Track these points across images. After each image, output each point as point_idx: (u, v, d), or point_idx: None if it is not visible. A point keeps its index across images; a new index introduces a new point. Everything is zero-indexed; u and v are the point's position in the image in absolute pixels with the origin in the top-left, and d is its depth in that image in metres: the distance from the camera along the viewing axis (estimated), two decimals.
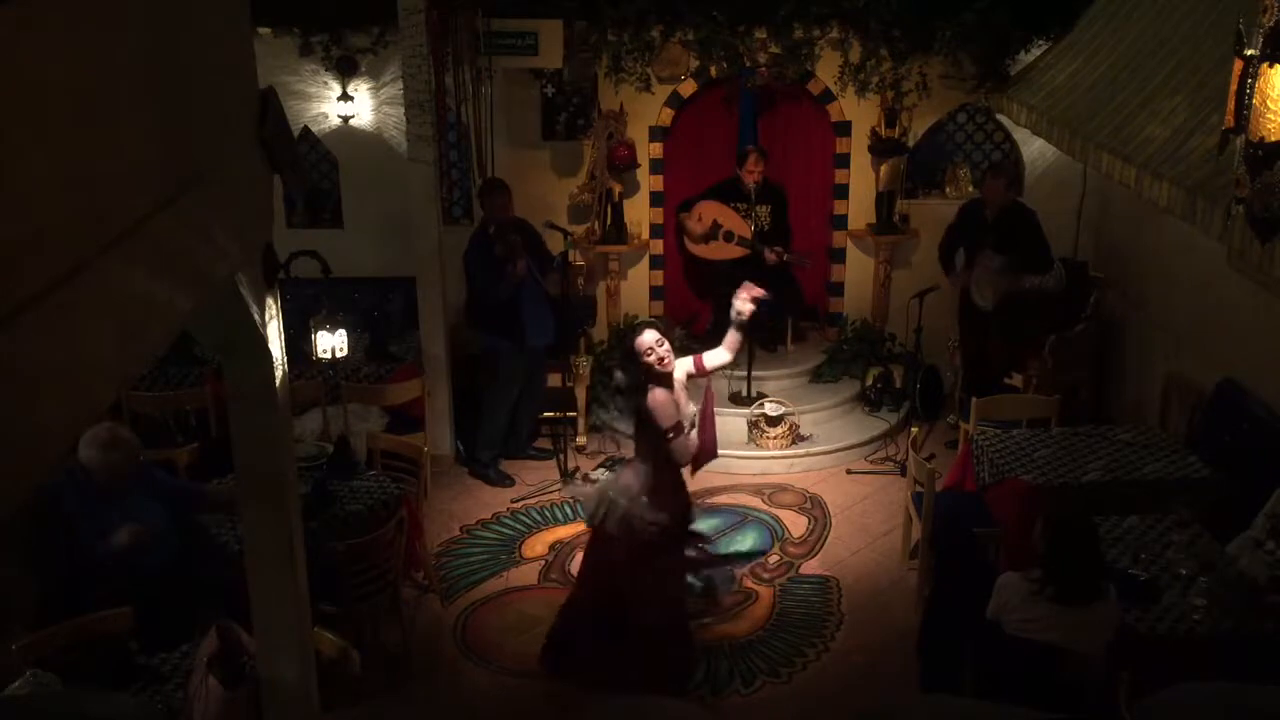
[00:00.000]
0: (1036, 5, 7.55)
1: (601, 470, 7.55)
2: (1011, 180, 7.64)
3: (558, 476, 7.46)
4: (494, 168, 7.67)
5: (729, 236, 7.75)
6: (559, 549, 6.69)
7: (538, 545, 6.74)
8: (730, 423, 7.64)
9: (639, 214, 8.25)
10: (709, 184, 7.92)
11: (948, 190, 8.38)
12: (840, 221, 8.44)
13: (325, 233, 8.04)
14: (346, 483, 5.80)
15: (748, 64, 7.79)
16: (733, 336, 5.25)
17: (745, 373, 7.67)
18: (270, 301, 3.30)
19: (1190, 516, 5.30)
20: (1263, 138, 3.77)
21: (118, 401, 6.30)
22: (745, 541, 6.73)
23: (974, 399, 6.67)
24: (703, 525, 6.85)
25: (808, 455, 7.58)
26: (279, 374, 3.39)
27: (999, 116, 8.03)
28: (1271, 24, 3.69)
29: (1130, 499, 5.58)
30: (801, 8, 7.62)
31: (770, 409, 7.54)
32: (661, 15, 7.65)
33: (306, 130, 7.95)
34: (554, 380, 7.58)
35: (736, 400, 7.71)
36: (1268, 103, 3.73)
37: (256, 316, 3.19)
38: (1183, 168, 4.94)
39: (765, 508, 7.10)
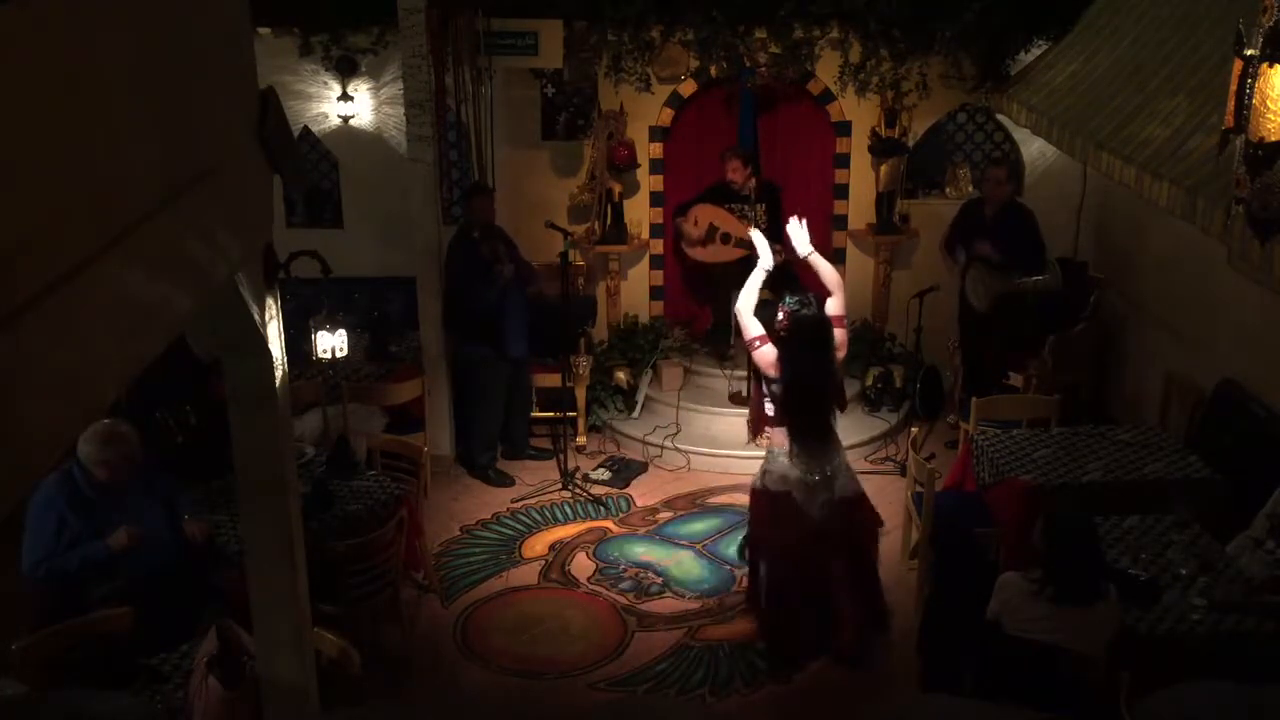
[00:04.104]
0: (1036, 5, 7.56)
1: (602, 470, 7.56)
2: (1012, 173, 7.66)
3: (557, 476, 7.46)
4: (494, 168, 7.67)
5: (726, 238, 7.74)
6: (559, 549, 6.69)
7: (538, 545, 6.74)
8: (730, 422, 7.65)
9: (639, 214, 8.25)
10: (709, 184, 7.92)
11: (948, 190, 8.39)
12: (840, 221, 8.44)
13: (325, 233, 8.04)
14: (346, 483, 5.80)
15: (748, 64, 7.79)
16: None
17: (745, 373, 7.67)
18: (270, 301, 3.31)
19: (1190, 516, 5.30)
20: (1263, 138, 3.77)
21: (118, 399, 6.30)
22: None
23: (974, 399, 6.67)
24: (702, 525, 6.87)
25: None
26: (279, 374, 3.39)
27: (999, 116, 8.03)
28: (1271, 24, 3.69)
29: (1130, 499, 5.58)
30: (801, 8, 7.62)
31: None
32: (661, 15, 7.65)
33: (306, 130, 7.96)
34: (554, 380, 7.58)
35: (736, 400, 7.71)
36: (1268, 103, 3.73)
37: (256, 316, 3.19)
38: (1183, 168, 4.94)
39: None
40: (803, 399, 5.32)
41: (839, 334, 5.36)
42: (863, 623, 5.58)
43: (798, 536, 5.42)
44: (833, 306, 5.39)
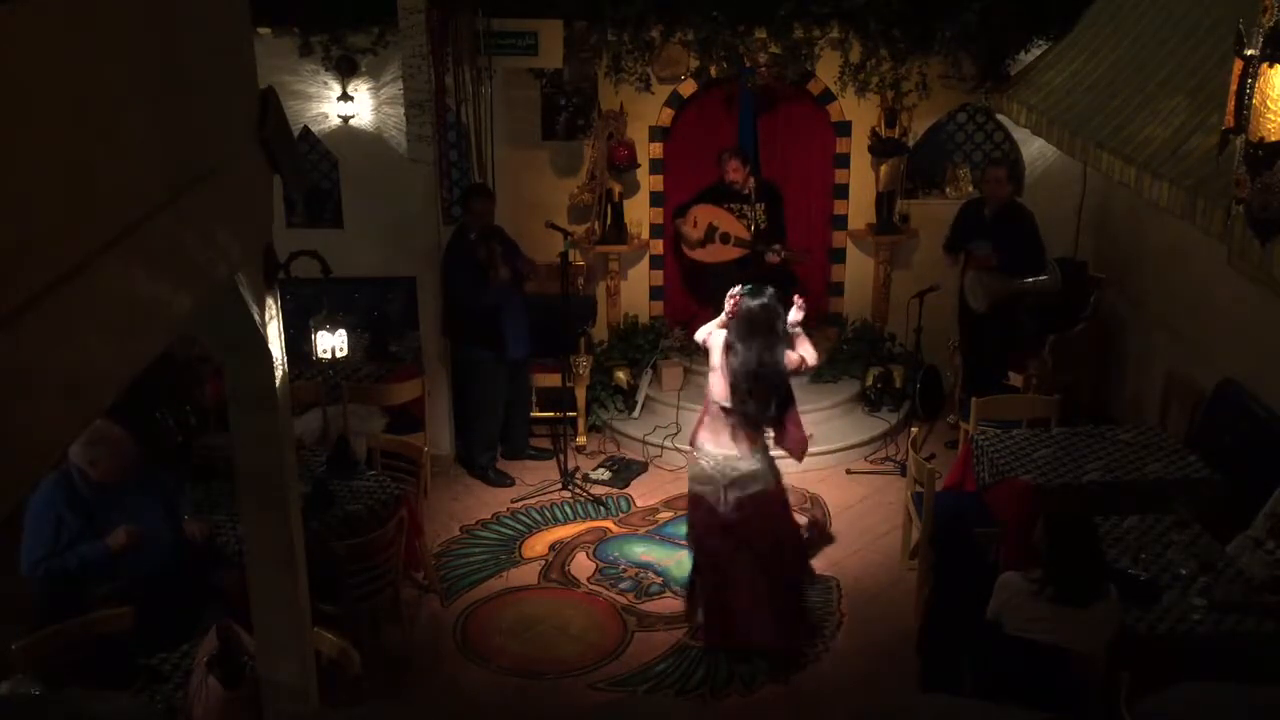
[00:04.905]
0: (1036, 5, 7.55)
1: (602, 470, 7.56)
2: (1012, 173, 7.65)
3: (557, 476, 7.46)
4: (494, 168, 7.67)
5: (725, 238, 7.74)
6: (559, 549, 6.69)
7: (538, 545, 6.74)
8: None
9: (639, 214, 8.25)
10: (709, 184, 7.92)
11: (948, 190, 8.38)
12: (840, 221, 8.44)
13: (325, 233, 8.02)
14: (346, 483, 5.80)
15: (748, 64, 7.79)
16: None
17: None
18: (270, 301, 3.31)
19: (1190, 516, 5.29)
20: (1263, 138, 3.77)
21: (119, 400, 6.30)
22: None
23: (974, 399, 6.67)
24: None
25: (807, 455, 7.54)
26: (279, 374, 3.39)
27: (999, 116, 8.03)
28: (1271, 24, 3.69)
29: (1130, 499, 5.58)
30: (801, 8, 7.62)
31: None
32: (661, 15, 7.65)
33: (306, 130, 7.94)
34: (554, 380, 7.58)
35: None
36: (1268, 103, 3.73)
37: (256, 316, 3.19)
38: (1183, 168, 4.94)
39: None
40: (741, 385, 5.39)
41: (792, 357, 5.44)
42: (774, 622, 5.66)
43: (710, 530, 5.60)
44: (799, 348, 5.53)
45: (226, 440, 5.62)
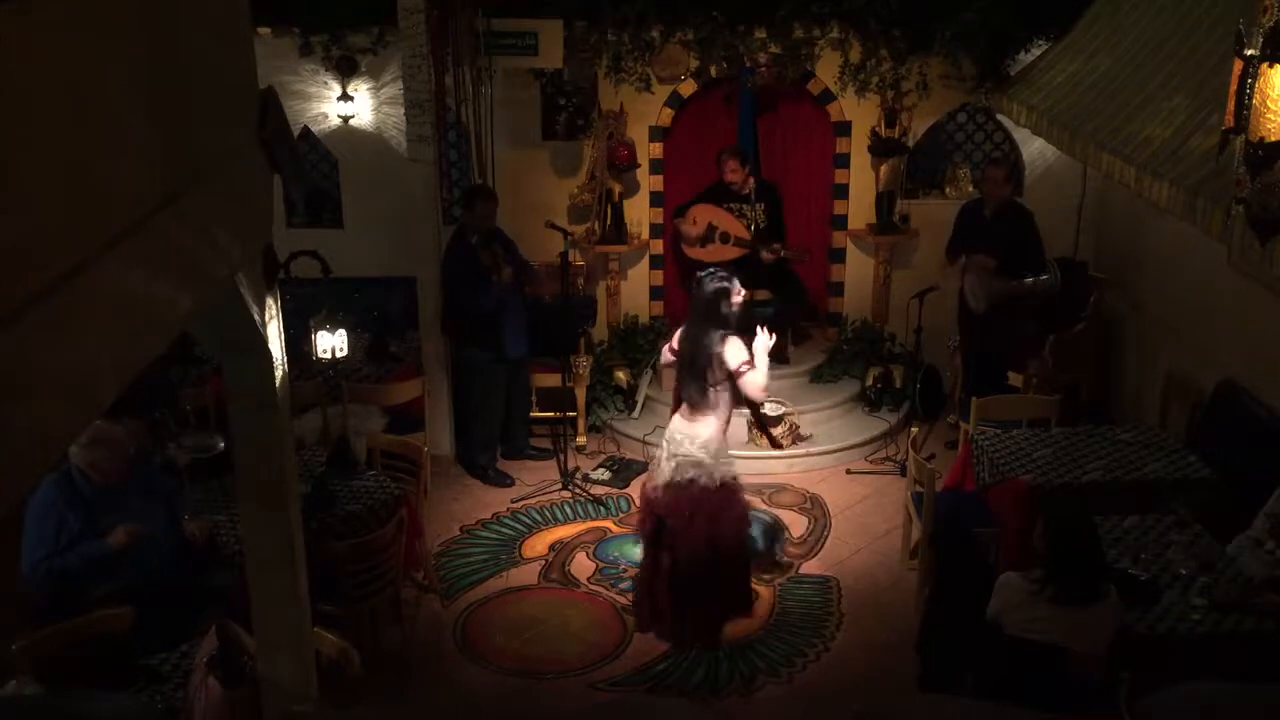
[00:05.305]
0: (1036, 5, 7.56)
1: (602, 470, 7.56)
2: (1012, 173, 7.66)
3: (557, 476, 7.46)
4: (494, 168, 7.67)
5: (725, 238, 7.75)
6: (559, 549, 6.69)
7: (538, 545, 6.74)
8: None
9: (639, 214, 8.25)
10: (708, 184, 7.92)
11: (948, 190, 8.39)
12: (840, 221, 8.44)
13: (325, 233, 8.03)
14: (346, 483, 5.80)
15: (748, 64, 7.79)
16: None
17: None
18: (270, 301, 3.31)
19: (1190, 516, 5.29)
20: (1263, 138, 3.78)
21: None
22: None
23: (974, 399, 6.67)
24: None
25: (808, 455, 7.57)
26: (279, 374, 3.39)
27: (999, 116, 8.03)
28: (1271, 24, 3.69)
29: (1130, 499, 5.58)
30: (801, 8, 7.63)
31: (770, 409, 7.53)
32: (661, 15, 7.66)
33: (306, 130, 7.96)
34: (554, 380, 7.58)
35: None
36: (1268, 103, 3.73)
37: (256, 316, 3.19)
38: (1183, 168, 4.94)
39: (765, 507, 7.08)
40: (681, 363, 5.59)
41: (732, 354, 5.41)
42: (672, 623, 5.75)
43: (646, 512, 5.77)
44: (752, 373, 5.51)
45: (200, 441, 5.68)
